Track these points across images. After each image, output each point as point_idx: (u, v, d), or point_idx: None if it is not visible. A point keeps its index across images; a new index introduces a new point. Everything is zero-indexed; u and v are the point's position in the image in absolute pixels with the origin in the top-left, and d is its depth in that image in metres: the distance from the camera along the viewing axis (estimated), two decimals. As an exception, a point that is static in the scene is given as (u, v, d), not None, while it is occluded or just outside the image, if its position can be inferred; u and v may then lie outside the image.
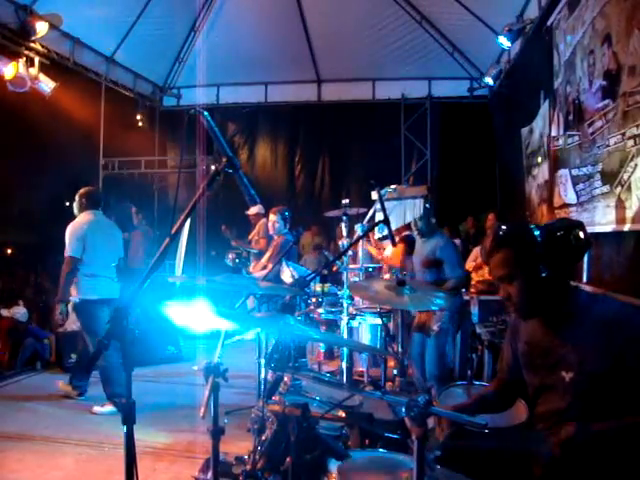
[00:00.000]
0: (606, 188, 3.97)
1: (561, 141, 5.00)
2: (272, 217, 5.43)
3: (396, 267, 5.59)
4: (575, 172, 4.64)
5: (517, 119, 7.18)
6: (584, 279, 4.16)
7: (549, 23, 5.43)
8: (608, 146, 3.88)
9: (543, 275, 1.68)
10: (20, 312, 6.13)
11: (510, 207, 7.74)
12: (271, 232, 5.57)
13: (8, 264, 7.96)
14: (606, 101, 3.92)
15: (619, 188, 3.74)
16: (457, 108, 9.18)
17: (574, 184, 4.68)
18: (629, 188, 3.59)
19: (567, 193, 4.87)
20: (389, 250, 6.03)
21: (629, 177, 3.57)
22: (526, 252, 1.69)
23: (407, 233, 5.71)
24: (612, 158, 3.84)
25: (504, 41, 6.22)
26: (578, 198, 4.62)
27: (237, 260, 6.57)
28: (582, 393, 1.67)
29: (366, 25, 8.38)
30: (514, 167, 7.41)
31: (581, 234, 1.74)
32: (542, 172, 6.23)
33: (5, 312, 6.07)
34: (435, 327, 4.27)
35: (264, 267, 5.33)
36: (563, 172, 4.95)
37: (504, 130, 8.16)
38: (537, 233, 1.71)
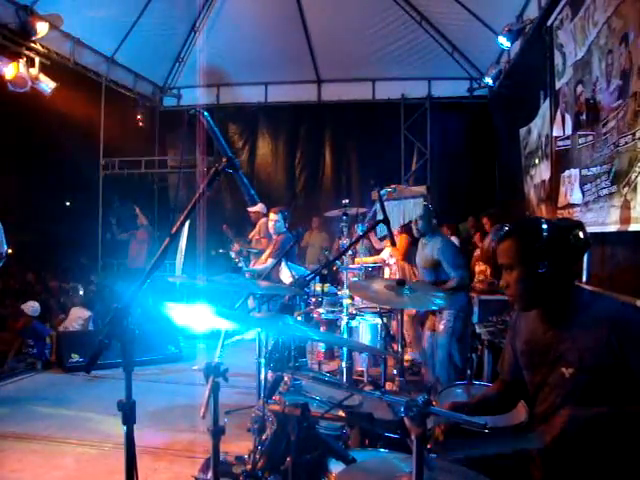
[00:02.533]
0: (614, 188, 3.96)
1: (569, 141, 4.98)
2: (273, 216, 5.47)
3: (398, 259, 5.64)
4: (585, 172, 4.62)
5: (517, 119, 7.18)
6: (584, 279, 4.16)
7: (549, 23, 5.43)
8: (618, 146, 3.87)
9: (542, 270, 1.71)
10: (33, 307, 6.14)
11: (510, 207, 7.75)
12: (271, 231, 5.61)
13: (8, 264, 7.95)
14: (620, 101, 3.91)
15: (626, 188, 3.73)
16: (457, 108, 9.18)
17: (582, 184, 4.67)
18: (635, 188, 3.58)
19: (573, 193, 4.86)
20: (386, 252, 6.07)
21: (636, 177, 3.56)
22: (528, 245, 1.74)
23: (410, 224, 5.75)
24: (622, 158, 3.82)
25: (504, 41, 6.22)
26: (584, 198, 4.61)
27: (240, 253, 6.54)
28: (582, 389, 1.68)
29: (366, 25, 8.38)
30: (514, 167, 7.41)
31: (581, 234, 1.76)
32: (539, 172, 6.22)
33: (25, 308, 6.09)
34: (440, 326, 4.29)
35: (265, 261, 5.40)
36: (572, 172, 4.93)
37: (504, 130, 8.16)
38: (545, 227, 1.76)
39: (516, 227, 1.82)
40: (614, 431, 1.62)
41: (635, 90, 3.58)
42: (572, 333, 1.71)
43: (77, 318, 6.56)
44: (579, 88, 4.75)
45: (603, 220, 4.04)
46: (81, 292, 7.41)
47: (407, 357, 5.57)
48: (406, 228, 5.71)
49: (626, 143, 3.73)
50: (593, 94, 4.44)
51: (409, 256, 5.63)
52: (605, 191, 4.11)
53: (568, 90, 5.01)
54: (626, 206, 3.71)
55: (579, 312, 1.72)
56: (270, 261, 5.22)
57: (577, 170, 4.78)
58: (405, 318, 4.87)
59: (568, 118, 5.03)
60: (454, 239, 6.02)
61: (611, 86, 4.11)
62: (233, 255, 6.61)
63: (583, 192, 4.63)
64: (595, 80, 4.40)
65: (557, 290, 1.75)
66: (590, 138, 4.51)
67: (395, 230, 5.92)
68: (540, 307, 1.81)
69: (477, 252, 6.67)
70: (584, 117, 4.65)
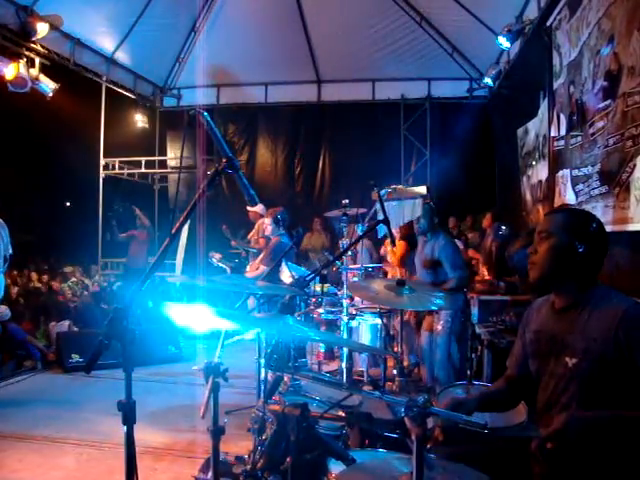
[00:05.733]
0: (604, 188, 3.97)
1: (563, 142, 5.00)
2: (267, 220, 5.44)
3: (394, 266, 5.63)
4: (575, 172, 4.65)
5: (516, 120, 7.18)
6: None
7: (548, 24, 5.44)
8: (607, 146, 3.89)
9: (579, 249, 1.74)
10: (3, 312, 5.97)
11: (508, 207, 7.75)
12: (267, 234, 5.56)
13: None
14: (607, 102, 3.93)
15: (617, 188, 3.74)
16: (456, 108, 9.19)
17: (574, 184, 4.69)
18: (627, 188, 3.59)
19: (566, 193, 4.88)
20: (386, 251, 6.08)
21: (627, 177, 3.57)
22: (580, 222, 1.79)
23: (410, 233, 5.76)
24: (611, 158, 3.84)
25: (503, 42, 6.23)
26: (577, 198, 4.63)
27: (222, 261, 6.58)
28: (583, 379, 1.69)
29: (366, 25, 8.39)
30: (512, 167, 7.42)
31: None
32: (536, 172, 6.24)
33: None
34: (439, 326, 4.29)
35: (257, 268, 5.31)
36: (564, 172, 4.95)
37: (503, 130, 8.17)
38: (597, 220, 1.83)
39: (572, 209, 1.85)
40: (616, 434, 1.62)
41: (624, 91, 3.60)
42: (582, 325, 1.73)
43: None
44: (572, 88, 4.77)
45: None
46: (69, 293, 7.38)
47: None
48: (407, 235, 5.68)
49: (615, 143, 3.75)
50: (581, 95, 4.46)
51: (406, 261, 5.65)
52: (596, 191, 4.13)
53: (563, 90, 5.03)
54: (619, 206, 3.72)
55: (592, 304, 1.74)
56: (262, 268, 5.14)
57: (568, 170, 4.80)
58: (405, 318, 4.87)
59: (563, 118, 5.04)
60: (459, 243, 6.03)
61: (595, 87, 4.12)
62: (214, 263, 6.59)
63: (575, 192, 4.65)
64: (583, 81, 4.43)
65: (579, 277, 1.77)
66: (579, 139, 4.52)
67: (394, 230, 5.91)
68: (551, 287, 1.83)
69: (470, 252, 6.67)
70: (575, 118, 4.67)
